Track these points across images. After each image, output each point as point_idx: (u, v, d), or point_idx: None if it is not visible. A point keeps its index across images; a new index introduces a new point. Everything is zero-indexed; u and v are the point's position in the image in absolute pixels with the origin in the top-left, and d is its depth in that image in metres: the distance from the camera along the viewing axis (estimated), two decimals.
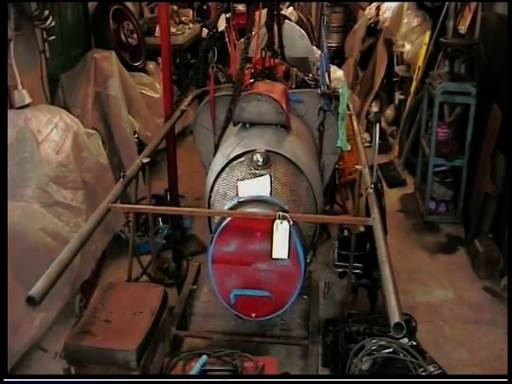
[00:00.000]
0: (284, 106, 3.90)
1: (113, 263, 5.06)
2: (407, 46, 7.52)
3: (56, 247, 3.79)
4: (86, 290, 4.43)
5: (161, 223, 5.36)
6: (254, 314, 3.50)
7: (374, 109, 8.36)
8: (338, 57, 9.78)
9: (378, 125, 4.14)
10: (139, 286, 3.76)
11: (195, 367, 2.96)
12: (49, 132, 4.36)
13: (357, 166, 3.84)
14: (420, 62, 7.14)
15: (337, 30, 10.15)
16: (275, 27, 4.89)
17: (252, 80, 4.40)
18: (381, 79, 8.31)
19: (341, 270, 4.48)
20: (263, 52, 4.71)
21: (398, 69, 7.94)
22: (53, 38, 5.39)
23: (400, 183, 6.96)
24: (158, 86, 6.88)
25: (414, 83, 7.24)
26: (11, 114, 4.30)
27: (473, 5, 6.15)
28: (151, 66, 7.27)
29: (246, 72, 4.49)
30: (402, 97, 7.91)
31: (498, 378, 2.82)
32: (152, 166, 3.93)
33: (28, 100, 4.81)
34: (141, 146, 5.98)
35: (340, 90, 3.99)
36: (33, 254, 3.65)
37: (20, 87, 4.76)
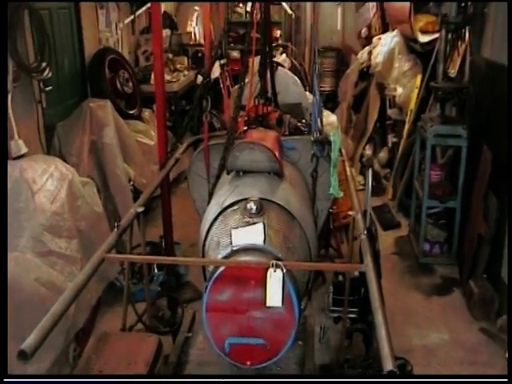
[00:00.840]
0: (277, 153, 3.94)
1: (108, 311, 5.04)
2: (399, 90, 7.65)
3: (50, 297, 3.78)
4: (81, 339, 4.41)
5: (156, 270, 5.36)
6: (248, 362, 3.46)
7: (368, 152, 8.45)
8: (331, 100, 9.93)
9: (370, 170, 4.21)
10: (133, 336, 3.75)
11: None
12: (44, 182, 4.40)
13: (350, 213, 3.87)
14: (412, 105, 7.26)
15: (330, 74, 10.34)
16: (268, 74, 4.97)
17: (245, 128, 4.45)
18: (374, 122, 8.44)
19: (336, 314, 4.46)
20: (256, 100, 4.78)
21: (391, 112, 8.06)
22: (49, 88, 5.49)
23: (394, 225, 7.00)
24: (153, 133, 6.95)
25: (407, 126, 7.35)
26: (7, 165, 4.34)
27: (461, 49, 6.30)
28: (146, 113, 7.39)
29: (239, 119, 4.55)
30: (395, 139, 8.02)
31: (498, 378, 2.81)
32: (147, 212, 3.96)
33: (24, 150, 4.87)
34: (136, 193, 6.03)
35: (332, 138, 4.04)
36: (27, 305, 3.65)
37: (16, 137, 4.84)
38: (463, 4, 6.00)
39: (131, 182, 6.20)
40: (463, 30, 6.25)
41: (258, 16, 4.75)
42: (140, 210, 3.80)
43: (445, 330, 4.98)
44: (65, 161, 5.14)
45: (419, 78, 7.24)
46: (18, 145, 4.85)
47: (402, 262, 6.19)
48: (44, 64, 5.17)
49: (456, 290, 5.60)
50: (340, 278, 4.44)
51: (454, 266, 5.97)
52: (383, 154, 8.26)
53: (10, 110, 4.75)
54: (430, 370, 4.39)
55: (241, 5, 10.51)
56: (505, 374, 2.75)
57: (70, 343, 4.26)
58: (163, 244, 5.38)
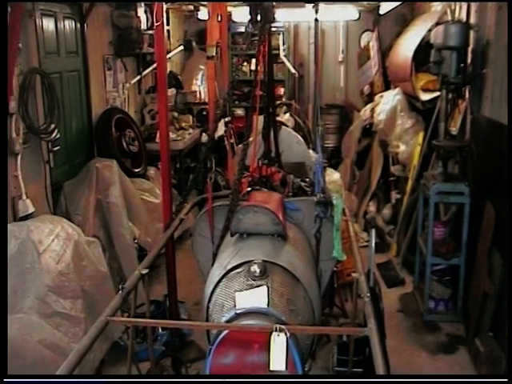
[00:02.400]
0: (280, 216, 3.98)
1: (111, 370, 5.00)
2: (402, 147, 7.73)
3: (54, 359, 3.79)
4: None
5: (160, 330, 5.34)
6: None
7: (372, 208, 8.48)
8: (335, 157, 10.01)
9: (373, 230, 4.24)
10: None
11: None
12: (50, 242, 4.46)
13: (353, 275, 3.88)
14: (415, 161, 7.33)
15: (333, 131, 10.45)
16: (272, 135, 5.06)
17: (249, 189, 4.50)
18: (377, 179, 8.49)
19: None
20: (260, 161, 4.85)
21: (394, 169, 8.12)
22: (57, 148, 5.59)
23: (398, 283, 6.97)
24: (158, 191, 7.03)
25: (410, 182, 7.40)
26: (14, 227, 4.42)
27: (462, 107, 6.40)
28: (151, 171, 7.48)
29: (243, 180, 4.60)
30: (398, 196, 8.06)
31: (498, 378, 2.76)
32: (151, 270, 3.97)
33: (31, 209, 4.94)
34: (140, 251, 6.07)
35: (334, 202, 4.08)
36: (31, 368, 3.65)
37: (24, 197, 4.91)
38: (463, 64, 6.13)
39: (136, 241, 6.24)
40: (463, 89, 6.36)
41: (262, 75, 4.86)
42: (144, 271, 3.81)
43: None
44: (71, 220, 5.21)
45: (421, 135, 7.33)
46: (25, 205, 4.93)
47: (406, 320, 6.15)
48: (53, 125, 5.30)
49: (462, 348, 5.55)
50: (344, 338, 4.42)
51: (460, 323, 5.94)
52: (387, 211, 8.28)
53: (19, 171, 4.86)
54: None
55: (245, 63, 10.71)
56: (505, 374, 2.72)
57: None
58: (167, 303, 5.36)
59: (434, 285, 6.14)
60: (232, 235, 4.04)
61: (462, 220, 5.86)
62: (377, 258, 4.21)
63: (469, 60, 6.20)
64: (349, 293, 6.13)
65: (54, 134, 5.34)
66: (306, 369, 3.62)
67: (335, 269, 5.22)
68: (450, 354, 5.51)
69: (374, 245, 4.09)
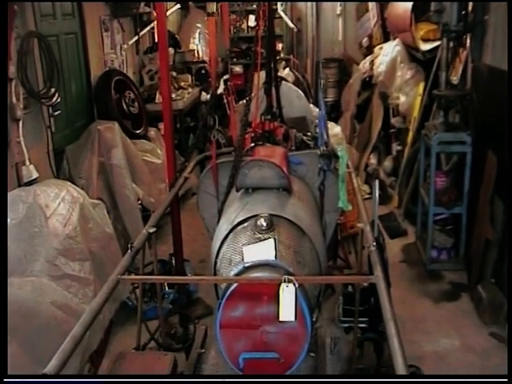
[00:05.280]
0: (285, 169, 4.00)
1: (120, 330, 5.10)
2: (402, 98, 7.72)
3: (66, 319, 3.86)
4: (95, 359, 4.47)
5: (166, 288, 5.39)
6: None
7: (373, 161, 8.49)
8: (334, 111, 9.96)
9: (377, 181, 4.26)
10: (149, 356, 3.79)
11: None
12: (56, 206, 4.49)
13: (358, 225, 3.92)
14: (415, 113, 7.32)
15: (332, 85, 10.36)
16: (273, 90, 5.04)
17: (252, 144, 4.51)
18: (378, 131, 8.49)
19: (346, 325, 4.49)
20: (262, 116, 4.84)
21: (395, 120, 8.11)
22: (58, 112, 5.58)
23: (401, 233, 7.05)
24: (159, 151, 7.05)
25: (411, 134, 7.41)
26: (21, 192, 4.46)
27: (463, 56, 6.36)
28: (152, 132, 7.46)
29: (246, 136, 4.60)
30: (399, 148, 8.07)
31: (498, 378, 2.84)
32: (156, 230, 4.01)
33: (35, 174, 4.96)
34: (144, 211, 6.10)
35: (339, 153, 4.09)
36: (44, 328, 3.71)
37: (27, 163, 4.92)
38: (464, 12, 6.08)
39: (139, 202, 6.28)
40: (464, 37, 6.32)
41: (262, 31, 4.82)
42: (152, 230, 3.85)
43: (455, 335, 5.01)
44: (74, 183, 5.23)
45: (422, 85, 7.31)
46: (29, 170, 4.93)
47: (410, 270, 6.24)
48: (53, 90, 5.28)
49: (465, 296, 5.64)
50: (349, 288, 4.48)
51: (462, 271, 6.02)
52: (388, 163, 8.31)
53: (21, 137, 4.85)
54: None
55: (243, 20, 10.59)
56: (505, 374, 2.78)
57: (84, 364, 4.33)
58: (173, 262, 5.43)
59: (436, 234, 6.20)
60: (237, 191, 4.06)
61: (463, 169, 5.89)
62: (379, 209, 4.22)
63: (470, 7, 6.12)
64: (352, 245, 6.20)
65: (54, 99, 5.31)
66: (313, 319, 3.69)
67: (338, 221, 5.27)
68: (453, 301, 5.61)
69: (377, 195, 4.11)
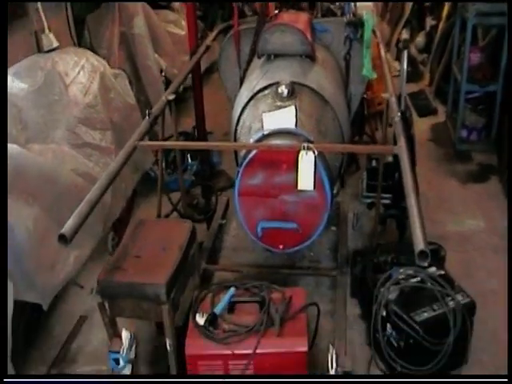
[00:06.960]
0: (308, 35, 3.84)
1: (143, 201, 5.12)
2: None
3: (87, 187, 3.83)
4: (118, 228, 4.53)
5: (190, 160, 5.39)
6: (281, 246, 3.53)
7: (405, 36, 8.13)
8: None
9: (406, 52, 4.08)
10: (168, 223, 3.84)
11: (224, 299, 3.04)
12: (76, 74, 4.37)
13: (383, 95, 3.77)
14: None
15: None
16: None
17: (276, 11, 4.33)
18: (411, 5, 8.06)
19: (369, 200, 4.45)
20: None
21: None
22: None
23: (431, 112, 6.84)
24: (183, 22, 6.73)
25: (446, 7, 7.01)
26: (39, 58, 4.34)
27: None
28: (176, 3, 7.18)
29: (270, 4, 4.41)
30: (433, 22, 7.69)
31: (498, 378, 2.85)
32: (179, 103, 3.95)
33: (55, 43, 4.80)
34: (167, 84, 5.97)
35: (364, 17, 3.90)
36: (65, 194, 3.71)
37: (47, 31, 4.76)
38: None
39: (163, 73, 6.15)
40: None
41: None
42: (171, 97, 3.78)
43: (481, 216, 4.92)
44: (96, 53, 5.10)
45: None
46: (49, 39, 4.76)
47: (437, 149, 6.08)
48: None
49: (493, 178, 5.51)
50: (374, 163, 4.40)
51: (492, 153, 5.83)
52: (420, 39, 7.97)
53: (39, 4, 4.67)
54: (465, 256, 4.35)
55: None
56: (505, 374, 2.75)
57: (108, 232, 4.40)
58: (196, 134, 5.37)
59: (467, 113, 5.97)
60: (259, 57, 3.95)
61: (501, 44, 5.56)
62: (409, 87, 4.07)
63: None
64: (379, 122, 6.05)
65: None
66: (334, 191, 3.64)
67: (365, 96, 5.13)
68: (481, 182, 5.48)
69: (405, 67, 3.95)
